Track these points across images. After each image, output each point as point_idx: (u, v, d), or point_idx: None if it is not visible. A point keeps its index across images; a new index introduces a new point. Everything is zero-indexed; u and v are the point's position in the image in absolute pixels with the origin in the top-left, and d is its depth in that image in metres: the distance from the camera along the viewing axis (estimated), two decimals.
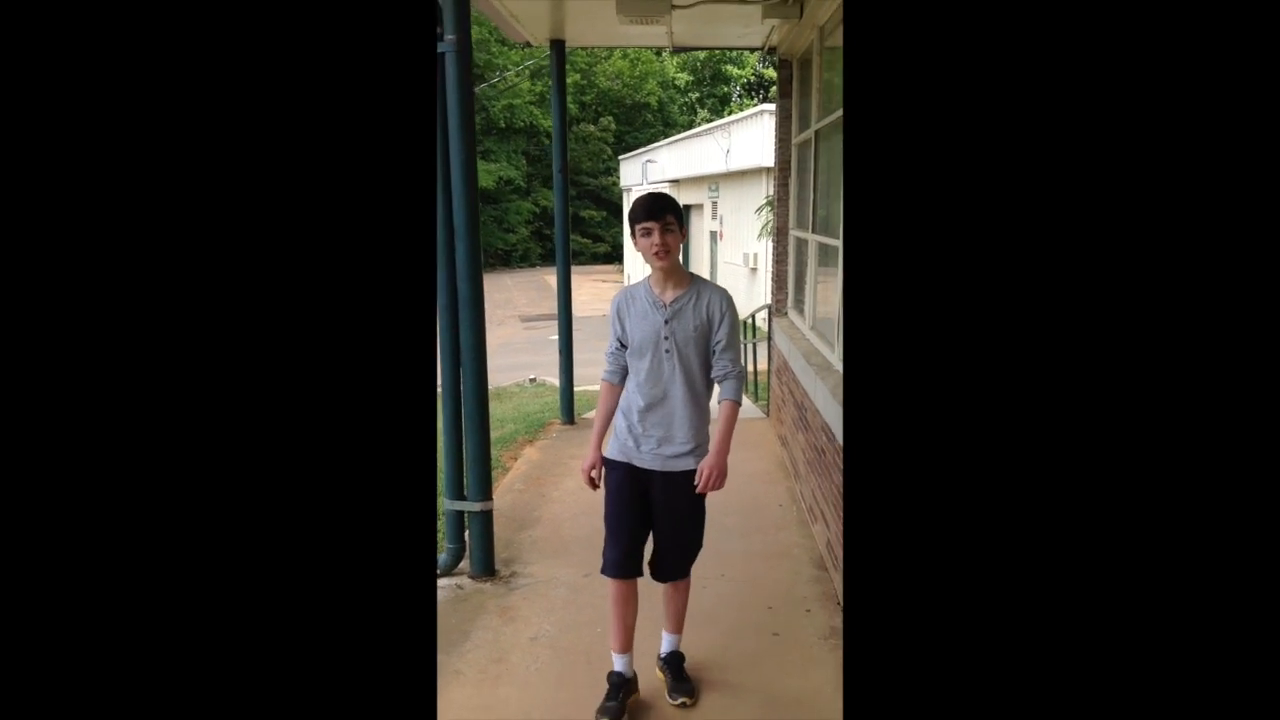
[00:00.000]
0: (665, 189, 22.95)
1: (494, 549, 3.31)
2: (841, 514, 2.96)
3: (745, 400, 7.71)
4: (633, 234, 2.20)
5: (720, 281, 19.35)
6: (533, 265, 32.64)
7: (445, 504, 3.32)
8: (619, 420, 2.34)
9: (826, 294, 4.14)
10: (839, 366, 3.47)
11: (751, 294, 15.30)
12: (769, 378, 5.98)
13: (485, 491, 3.26)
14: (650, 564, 2.37)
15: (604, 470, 2.33)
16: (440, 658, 2.68)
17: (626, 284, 2.31)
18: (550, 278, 26.95)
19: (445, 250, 3.14)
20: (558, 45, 5.34)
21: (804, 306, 4.76)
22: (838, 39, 3.66)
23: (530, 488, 4.39)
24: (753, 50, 5.80)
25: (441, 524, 3.33)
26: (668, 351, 2.22)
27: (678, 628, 2.47)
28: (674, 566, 2.38)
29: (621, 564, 2.30)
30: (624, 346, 2.31)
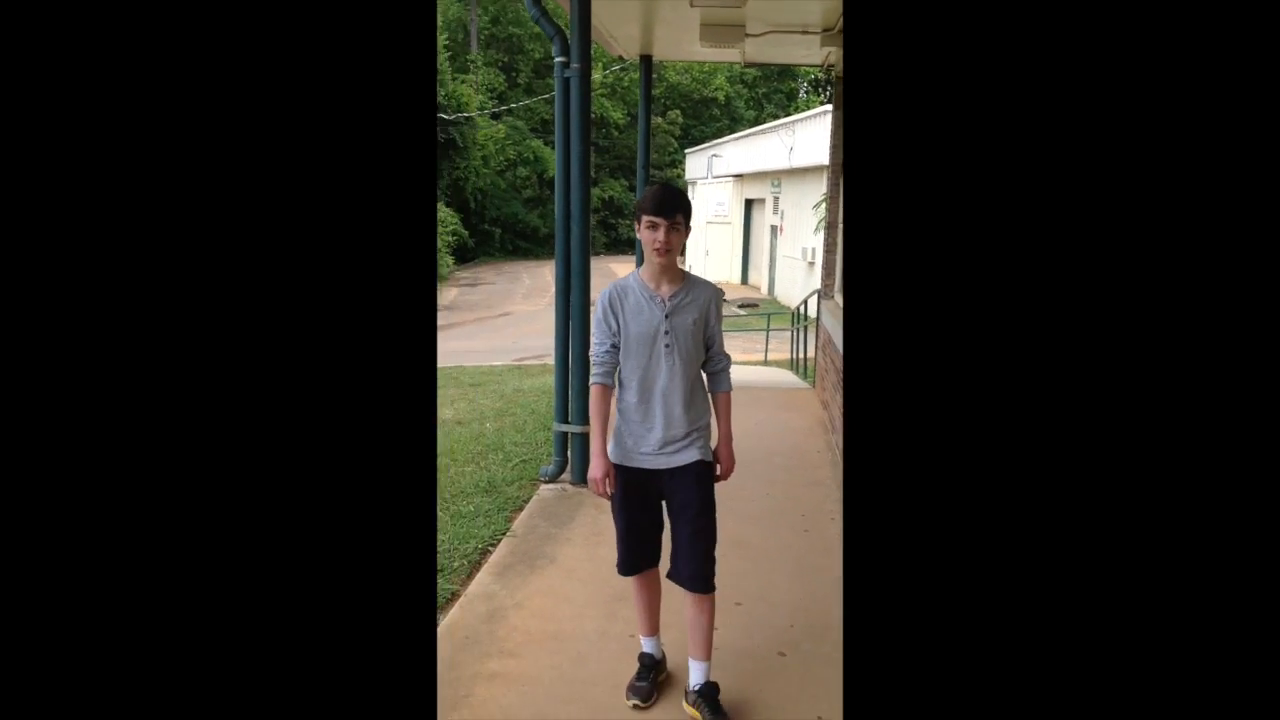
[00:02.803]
0: (729, 183, 23.65)
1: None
2: None
3: (790, 375, 8.52)
4: (637, 220, 2.19)
5: (779, 274, 19.73)
6: (597, 254, 33.53)
7: (554, 425, 4.28)
8: (620, 424, 2.28)
9: None
10: None
11: (808, 286, 15.97)
12: (816, 354, 6.79)
13: (584, 418, 4.19)
14: (671, 566, 2.30)
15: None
16: (555, 530, 3.63)
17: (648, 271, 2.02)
18: (615, 265, 27.83)
19: (562, 229, 4.08)
20: (646, 59, 6.24)
21: None
22: None
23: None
24: (813, 67, 6.58)
25: (551, 441, 4.28)
26: (668, 346, 2.18)
27: (706, 653, 2.29)
28: (694, 569, 2.24)
29: (635, 563, 2.33)
30: (615, 347, 2.24)
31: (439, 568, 3.24)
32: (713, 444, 2.33)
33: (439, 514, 3.82)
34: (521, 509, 3.91)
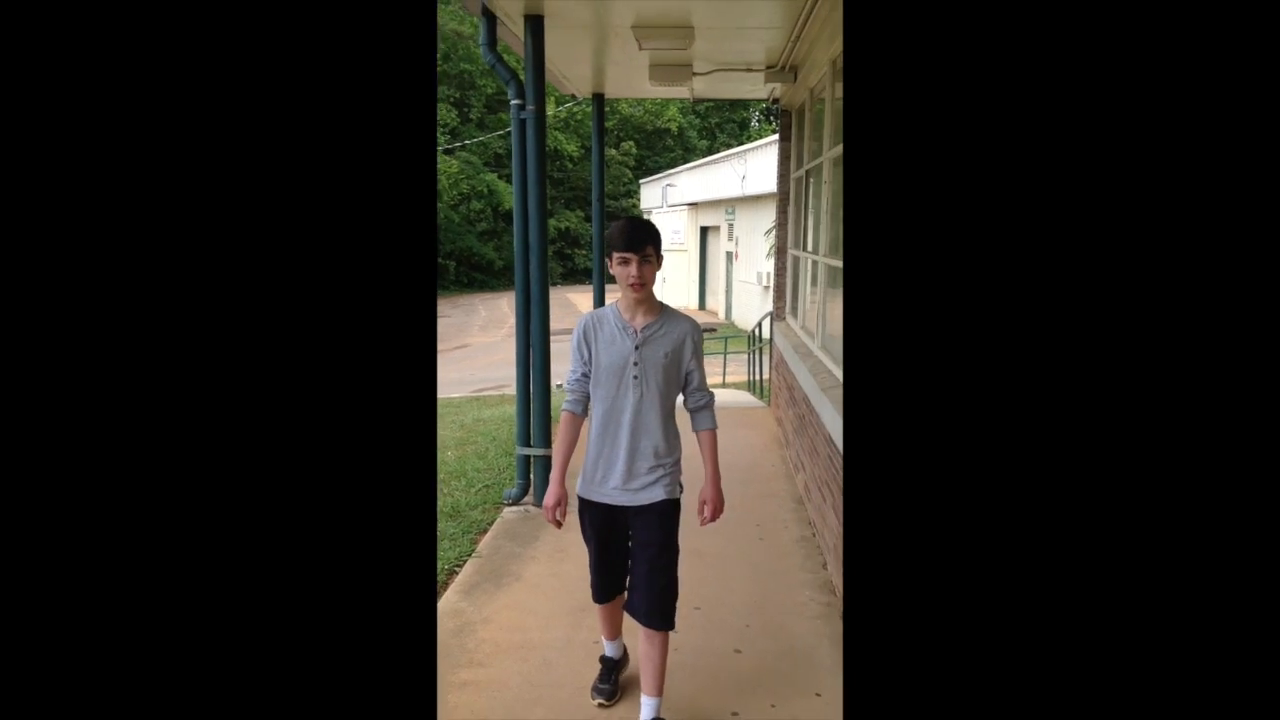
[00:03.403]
0: (684, 211, 24.09)
1: None
2: (816, 462, 3.99)
3: (747, 395, 8.75)
4: (608, 257, 2.20)
5: (735, 298, 20.05)
6: (554, 284, 33.58)
7: (517, 450, 4.41)
8: (587, 456, 2.28)
9: (814, 300, 5.20)
10: (818, 352, 4.53)
11: (764, 309, 16.33)
12: (771, 373, 7.03)
13: (545, 441, 4.34)
14: (627, 600, 2.31)
15: (579, 508, 2.32)
16: (520, 550, 3.75)
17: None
18: (572, 295, 28.09)
19: (522, 262, 4.25)
20: (598, 97, 6.49)
21: (798, 310, 5.82)
22: (824, 96, 4.74)
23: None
24: (760, 101, 6.88)
25: (514, 466, 4.41)
26: (635, 378, 2.18)
27: (657, 689, 2.28)
28: (650, 605, 2.22)
29: (608, 591, 2.40)
30: (586, 375, 2.25)
31: None
32: (687, 479, 2.31)
33: None
34: (486, 531, 4.02)
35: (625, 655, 2.64)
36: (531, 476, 4.39)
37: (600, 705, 2.49)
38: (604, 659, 2.59)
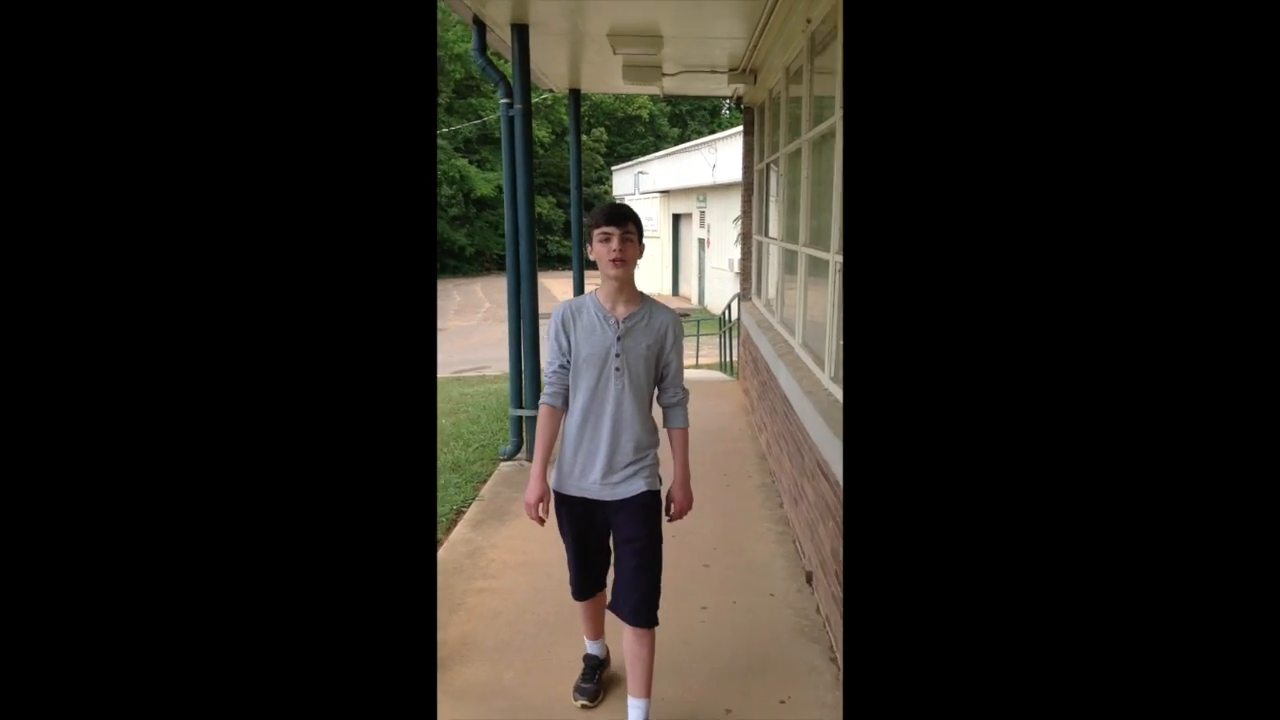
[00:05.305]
0: (656, 199, 24.57)
1: None
2: (775, 420, 4.58)
3: (719, 373, 9.34)
4: (589, 240, 2.12)
5: (707, 284, 20.58)
6: None
7: (510, 411, 4.96)
8: (564, 449, 2.19)
9: (774, 280, 5.79)
10: (777, 326, 5.11)
11: (734, 293, 16.93)
12: (739, 349, 7.63)
13: (536, 403, 4.87)
14: (612, 597, 2.22)
15: (555, 503, 2.21)
16: (517, 495, 4.31)
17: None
18: (545, 280, 28.51)
19: (512, 244, 4.79)
20: (574, 92, 6.99)
21: (761, 290, 6.41)
22: (780, 98, 5.29)
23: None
24: (724, 99, 7.42)
25: (506, 429, 4.95)
26: (617, 370, 2.12)
27: (645, 690, 2.19)
28: (638, 603, 2.15)
29: (588, 589, 2.35)
30: (565, 367, 2.16)
31: None
32: (665, 481, 2.26)
33: None
34: (485, 481, 4.57)
35: (608, 655, 2.60)
36: (524, 435, 4.94)
37: (584, 707, 2.41)
38: (587, 658, 2.54)
